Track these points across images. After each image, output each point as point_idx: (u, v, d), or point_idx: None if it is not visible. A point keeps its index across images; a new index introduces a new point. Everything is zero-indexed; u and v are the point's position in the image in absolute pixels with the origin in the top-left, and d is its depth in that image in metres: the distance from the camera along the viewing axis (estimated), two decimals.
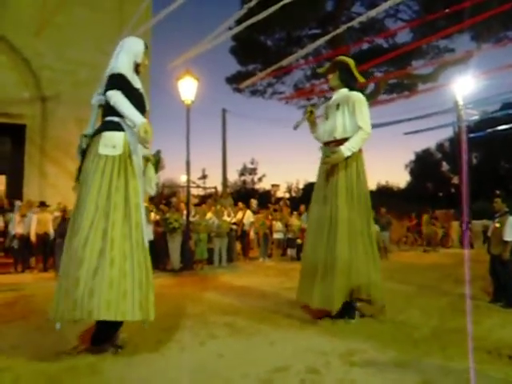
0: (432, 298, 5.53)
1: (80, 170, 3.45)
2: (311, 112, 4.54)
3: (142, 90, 3.61)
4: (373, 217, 4.57)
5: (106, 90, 3.39)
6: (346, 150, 4.15)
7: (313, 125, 4.62)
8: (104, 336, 3.23)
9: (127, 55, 3.59)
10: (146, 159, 3.58)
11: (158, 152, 3.69)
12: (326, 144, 4.42)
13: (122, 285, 3.04)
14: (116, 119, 3.41)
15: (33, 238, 9.42)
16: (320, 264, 4.14)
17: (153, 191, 3.66)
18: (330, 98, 4.65)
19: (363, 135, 4.22)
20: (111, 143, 3.33)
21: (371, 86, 20.49)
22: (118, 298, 3.00)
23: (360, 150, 4.35)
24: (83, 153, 3.48)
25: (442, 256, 13.14)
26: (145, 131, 3.20)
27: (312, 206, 4.56)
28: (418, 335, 3.64)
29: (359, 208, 4.21)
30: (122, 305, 3.00)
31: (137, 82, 3.58)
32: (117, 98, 3.32)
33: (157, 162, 3.64)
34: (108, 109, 3.44)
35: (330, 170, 4.29)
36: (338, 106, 4.36)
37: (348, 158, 4.19)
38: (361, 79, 4.59)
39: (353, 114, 4.25)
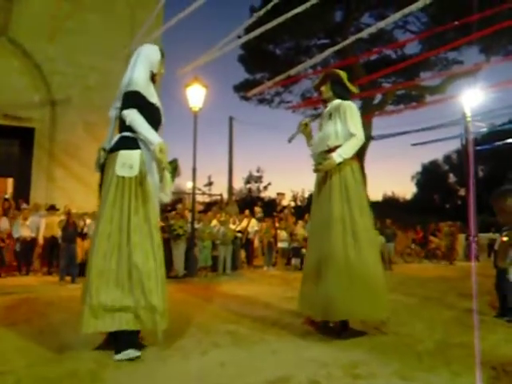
0: (436, 311, 5.48)
1: (101, 186, 3.52)
2: (306, 125, 4.59)
3: (158, 104, 3.60)
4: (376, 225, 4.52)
5: (122, 109, 3.41)
6: (337, 156, 4.11)
7: (309, 137, 4.64)
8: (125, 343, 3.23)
9: (144, 65, 3.58)
10: (163, 167, 3.53)
11: (175, 160, 3.64)
12: (317, 154, 4.44)
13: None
14: (132, 135, 3.42)
15: (41, 241, 9.48)
16: (319, 271, 4.06)
17: (168, 198, 3.65)
18: (323, 110, 4.66)
19: (355, 141, 4.18)
20: (128, 163, 3.35)
21: (379, 97, 20.52)
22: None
23: (355, 158, 4.30)
24: (102, 167, 3.53)
25: (446, 269, 13.04)
26: (160, 151, 3.22)
27: (312, 216, 4.54)
28: (422, 348, 3.60)
29: (360, 210, 4.09)
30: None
31: (152, 95, 3.56)
32: (132, 118, 3.33)
33: (174, 170, 3.60)
34: (124, 123, 3.44)
35: (323, 177, 4.28)
36: (330, 115, 4.40)
37: (340, 164, 4.13)
38: (354, 90, 4.59)
39: (344, 122, 4.23)
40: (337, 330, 4.04)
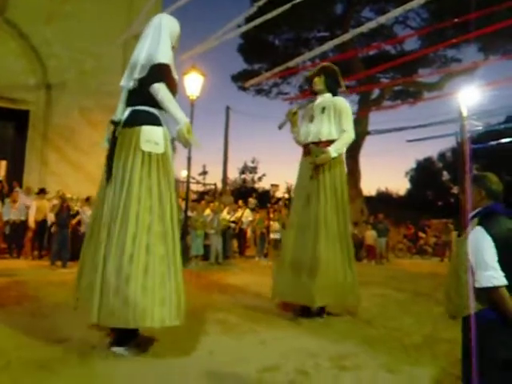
0: (425, 306, 5.53)
1: (110, 161, 3.24)
2: (294, 113, 4.76)
3: (177, 80, 3.47)
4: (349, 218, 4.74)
5: (151, 81, 3.20)
6: (333, 151, 4.38)
7: (294, 125, 4.81)
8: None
9: (168, 38, 3.40)
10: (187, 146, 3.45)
11: (173, 139, 3.50)
12: (310, 144, 4.58)
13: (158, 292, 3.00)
14: (152, 110, 3.27)
15: (31, 224, 9.42)
16: (303, 263, 4.32)
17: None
18: (312, 101, 4.80)
19: (348, 138, 4.49)
20: (153, 139, 3.20)
21: (376, 92, 20.51)
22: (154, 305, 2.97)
23: (343, 160, 4.61)
24: (113, 141, 3.28)
25: (438, 265, 13.14)
26: (188, 131, 3.14)
27: (294, 204, 4.75)
28: (409, 343, 3.65)
29: (342, 210, 4.44)
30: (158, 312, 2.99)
31: (174, 70, 3.44)
32: (164, 93, 3.18)
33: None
34: (141, 96, 3.27)
35: (314, 169, 4.44)
36: (323, 109, 4.58)
37: (333, 159, 4.42)
38: (344, 87, 4.93)
39: (338, 119, 4.48)
40: (315, 313, 4.38)
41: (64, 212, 8.87)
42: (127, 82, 3.39)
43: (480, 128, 17.20)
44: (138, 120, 3.25)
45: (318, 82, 4.69)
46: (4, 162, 14.00)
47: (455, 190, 31.36)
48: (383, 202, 30.42)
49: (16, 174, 12.55)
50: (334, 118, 4.48)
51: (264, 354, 3.18)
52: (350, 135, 4.46)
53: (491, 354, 2.19)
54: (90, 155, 12.71)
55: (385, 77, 20.57)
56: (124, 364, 2.87)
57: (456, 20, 9.20)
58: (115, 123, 3.31)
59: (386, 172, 66.52)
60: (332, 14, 19.79)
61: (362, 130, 19.70)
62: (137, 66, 3.29)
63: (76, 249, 9.25)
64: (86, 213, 9.19)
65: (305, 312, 4.40)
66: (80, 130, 12.92)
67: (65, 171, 12.46)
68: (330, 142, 4.42)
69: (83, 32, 13.05)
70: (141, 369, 2.82)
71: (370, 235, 13.39)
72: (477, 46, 17.85)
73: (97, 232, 3.16)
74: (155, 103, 3.25)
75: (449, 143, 32.71)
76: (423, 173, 36.49)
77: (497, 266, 2.12)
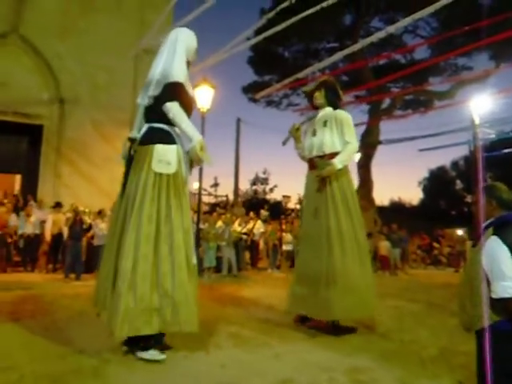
0: (441, 318, 5.44)
1: (125, 178, 3.29)
2: (297, 129, 4.76)
3: (193, 95, 3.52)
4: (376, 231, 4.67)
5: (164, 100, 3.24)
6: (338, 163, 4.36)
7: (298, 141, 4.82)
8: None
9: (184, 53, 3.43)
10: (199, 164, 3.53)
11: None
12: (314, 158, 4.60)
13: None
14: (166, 128, 3.30)
15: (48, 237, 9.53)
16: (320, 276, 4.24)
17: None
18: (314, 116, 4.84)
19: (352, 150, 4.50)
20: (165, 159, 3.22)
21: (387, 102, 20.46)
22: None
23: (349, 170, 4.60)
24: (129, 158, 3.32)
25: (452, 276, 12.95)
26: (201, 148, 3.16)
27: (304, 217, 4.74)
28: (426, 356, 3.58)
29: (357, 219, 4.39)
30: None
31: (189, 87, 3.48)
32: (176, 111, 3.21)
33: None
34: (157, 113, 3.30)
35: (321, 182, 4.45)
36: (325, 122, 4.59)
37: (339, 171, 4.41)
38: (343, 98, 4.94)
39: (341, 131, 4.49)
40: (330, 328, 4.27)
41: (77, 225, 8.96)
42: (143, 99, 3.40)
43: (493, 136, 17.05)
44: (152, 138, 3.28)
45: (319, 97, 4.72)
46: (18, 176, 14.21)
47: (469, 199, 31.02)
48: (396, 211, 30.19)
49: (30, 187, 12.72)
50: (336, 130, 4.51)
51: (277, 367, 3.14)
52: (353, 146, 4.49)
53: (507, 366, 2.15)
54: (102, 168, 12.86)
55: (395, 86, 20.54)
56: (138, 376, 2.86)
57: (466, 28, 9.16)
58: (131, 140, 3.34)
59: (399, 182, 66.15)
60: (341, 25, 19.87)
61: (373, 140, 19.65)
62: (152, 83, 3.33)
63: (89, 261, 9.36)
64: (99, 226, 9.27)
65: (325, 326, 4.33)
66: (92, 144, 13.07)
67: (78, 184, 12.60)
68: (334, 155, 4.44)
69: (95, 46, 13.28)
70: (153, 380, 2.80)
71: (384, 246, 13.26)
72: (488, 53, 17.76)
73: (114, 246, 3.23)
74: (170, 120, 3.27)
75: (462, 152, 32.46)
76: (436, 182, 36.19)
77: None
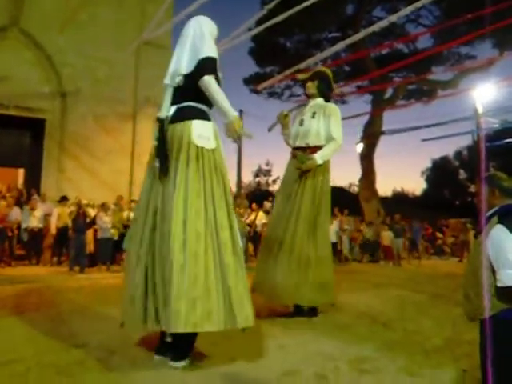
0: (445, 308, 5.44)
1: (158, 157, 3.09)
2: (286, 115, 4.81)
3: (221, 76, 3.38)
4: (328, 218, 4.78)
5: (202, 74, 3.07)
6: (319, 158, 4.43)
7: (285, 127, 4.85)
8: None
9: (210, 36, 3.32)
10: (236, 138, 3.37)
11: None
12: (298, 149, 4.65)
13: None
14: (201, 106, 3.21)
15: (53, 231, 9.58)
16: (283, 259, 4.38)
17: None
18: (305, 104, 4.92)
19: (335, 146, 4.51)
20: (205, 134, 3.12)
21: (390, 92, 20.34)
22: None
23: (329, 168, 4.66)
24: (160, 139, 3.13)
25: (456, 265, 12.95)
26: (239, 125, 3.08)
27: (277, 197, 4.84)
28: (430, 345, 3.58)
29: (320, 211, 4.49)
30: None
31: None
32: (215, 86, 3.07)
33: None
34: (189, 92, 3.18)
35: (297, 174, 4.53)
36: (313, 114, 4.63)
37: (319, 166, 4.47)
38: (335, 91, 5.11)
39: (327, 124, 4.51)
40: (306, 313, 4.43)
41: (80, 218, 8.99)
42: (172, 80, 3.26)
43: (496, 125, 16.95)
44: (187, 114, 3.16)
45: (311, 87, 4.73)
46: (22, 170, 14.24)
47: (472, 188, 30.93)
48: (399, 202, 30.16)
49: (33, 181, 12.74)
50: (323, 122, 4.51)
51: (283, 358, 3.15)
52: (337, 142, 4.49)
53: (511, 355, 2.14)
54: (104, 162, 12.87)
55: (398, 76, 20.40)
56: (144, 368, 2.87)
57: (469, 16, 9.07)
58: (162, 120, 3.18)
59: (402, 172, 65.97)
60: (343, 15, 19.70)
61: (376, 130, 19.57)
62: (181, 63, 3.21)
63: (94, 254, 9.41)
64: (102, 219, 9.29)
65: (297, 312, 4.49)
66: (94, 137, 13.07)
67: (81, 178, 12.61)
68: (316, 148, 4.49)
69: (96, 40, 13.23)
70: (161, 372, 2.82)
71: (387, 236, 13.27)
72: (491, 42, 17.60)
73: (149, 226, 3.05)
74: (202, 99, 3.18)
75: (465, 141, 32.32)
76: (439, 172, 36.09)
77: None
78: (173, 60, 3.32)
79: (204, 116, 3.20)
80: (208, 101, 3.20)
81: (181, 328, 2.73)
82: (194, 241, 2.87)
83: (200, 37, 3.24)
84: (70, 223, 9.37)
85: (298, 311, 4.48)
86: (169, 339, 2.88)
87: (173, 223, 2.87)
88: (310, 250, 4.36)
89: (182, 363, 2.91)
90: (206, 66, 3.11)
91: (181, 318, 2.73)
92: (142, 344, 3.31)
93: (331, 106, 4.66)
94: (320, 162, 4.42)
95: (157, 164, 3.09)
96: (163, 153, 3.08)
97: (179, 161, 3.02)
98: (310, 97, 4.80)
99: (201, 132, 3.10)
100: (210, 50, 3.18)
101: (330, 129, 4.47)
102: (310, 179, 4.47)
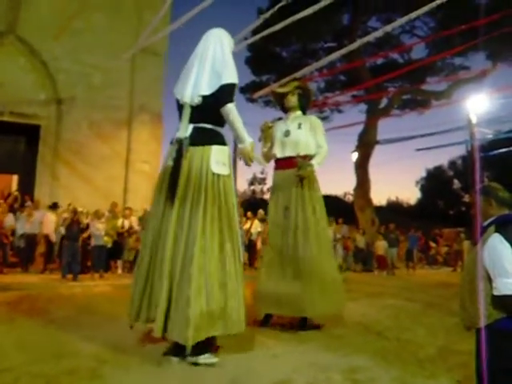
0: (438, 317, 5.44)
1: (175, 179, 3.18)
2: (270, 127, 4.84)
3: None
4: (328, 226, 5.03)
5: (225, 101, 3.19)
6: (316, 164, 4.60)
7: (267, 139, 4.88)
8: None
9: (231, 55, 3.42)
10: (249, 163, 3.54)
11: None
12: (288, 158, 4.71)
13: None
14: (218, 129, 3.32)
15: (52, 237, 9.59)
16: (289, 273, 4.41)
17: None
18: (281, 118, 5.08)
19: (325, 153, 4.72)
20: (222, 160, 3.24)
21: (384, 102, 20.47)
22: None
23: (315, 175, 4.77)
24: (177, 159, 3.20)
25: (449, 275, 12.97)
26: (253, 151, 3.27)
27: (271, 208, 4.82)
28: (423, 355, 3.57)
29: (321, 219, 4.58)
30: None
31: None
32: (236, 114, 3.22)
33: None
34: (207, 114, 3.27)
35: (296, 181, 4.58)
36: (299, 125, 4.77)
37: (310, 175, 4.62)
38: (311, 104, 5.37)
39: (314, 135, 4.70)
40: (297, 325, 4.42)
41: (74, 225, 8.94)
42: (192, 100, 3.28)
43: (490, 135, 17.09)
44: (205, 139, 3.26)
45: (293, 100, 4.86)
46: (15, 177, 14.17)
47: (466, 198, 31.07)
48: (394, 211, 30.23)
49: (27, 188, 12.68)
50: (310, 133, 4.68)
51: (275, 368, 3.13)
52: (326, 150, 4.69)
53: (507, 365, 2.14)
54: (98, 169, 12.83)
55: (393, 86, 20.55)
56: (135, 377, 2.84)
57: (463, 27, 9.18)
58: (180, 141, 3.24)
59: (396, 181, 66.18)
60: (339, 25, 19.86)
61: (370, 140, 19.66)
62: (202, 84, 3.26)
63: (86, 262, 9.34)
64: (96, 226, 9.24)
65: (290, 323, 4.50)
66: (89, 144, 13.04)
67: (75, 185, 12.56)
68: (307, 157, 4.62)
69: (92, 46, 13.25)
70: (153, 381, 2.79)
71: (381, 245, 13.28)
72: (485, 53, 17.79)
73: (160, 247, 3.19)
74: (219, 121, 3.29)
75: (459, 151, 32.53)
76: (434, 182, 36.24)
77: None
78: (190, 77, 3.34)
79: (222, 140, 3.32)
80: (223, 122, 3.32)
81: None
82: (210, 263, 3.06)
83: (222, 59, 3.32)
84: (61, 230, 9.33)
85: (303, 323, 4.46)
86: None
87: (195, 249, 3.02)
88: (321, 264, 4.40)
89: (202, 358, 3.04)
90: (229, 93, 3.23)
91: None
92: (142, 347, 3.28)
93: (315, 118, 4.93)
94: (317, 167, 4.59)
95: (168, 185, 3.21)
96: (176, 175, 3.17)
97: (199, 186, 3.15)
98: (289, 109, 4.93)
99: (218, 158, 3.23)
100: (233, 75, 3.28)
101: (318, 139, 4.67)
102: (306, 189, 4.55)
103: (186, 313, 2.90)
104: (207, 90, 3.23)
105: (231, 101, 3.21)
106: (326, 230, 4.69)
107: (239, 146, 3.28)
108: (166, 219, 3.19)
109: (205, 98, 3.24)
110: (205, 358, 3.05)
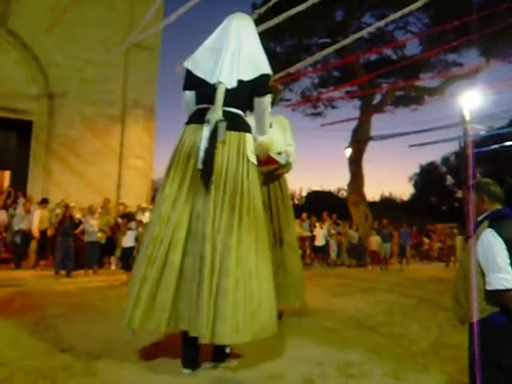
0: (431, 312, 5.49)
1: (210, 163, 2.94)
2: None
3: None
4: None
5: (264, 93, 3.17)
6: (293, 163, 4.79)
7: None
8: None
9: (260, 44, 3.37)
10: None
11: None
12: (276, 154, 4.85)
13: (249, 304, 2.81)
14: (247, 119, 3.24)
15: (35, 234, 9.42)
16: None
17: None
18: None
19: (294, 151, 4.89)
20: (252, 148, 3.18)
21: (378, 98, 20.51)
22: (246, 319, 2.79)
23: None
24: (212, 142, 2.97)
25: (443, 270, 13.06)
26: (270, 147, 3.34)
27: None
28: (416, 349, 3.61)
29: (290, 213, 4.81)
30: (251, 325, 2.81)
31: None
32: (268, 105, 3.24)
33: None
34: (239, 100, 3.14)
35: (273, 178, 4.67)
36: (270, 124, 4.80)
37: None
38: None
39: (285, 134, 4.85)
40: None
41: (67, 221, 8.89)
42: (229, 80, 3.08)
43: (483, 132, 17.17)
44: (240, 125, 3.14)
45: None
46: (8, 173, 14.05)
47: (459, 194, 31.26)
48: (387, 207, 30.36)
49: (19, 184, 12.57)
50: (280, 132, 4.81)
51: (270, 362, 3.15)
52: (294, 148, 4.89)
53: (499, 360, 2.17)
54: (92, 164, 12.75)
55: (386, 82, 20.59)
56: (129, 373, 2.85)
57: (456, 23, 9.20)
58: (217, 122, 3.00)
59: (390, 177, 66.46)
60: (332, 21, 19.83)
61: (364, 136, 19.70)
62: (239, 69, 3.12)
63: (79, 258, 9.29)
64: (89, 221, 9.20)
65: None
66: (82, 139, 12.94)
67: (68, 180, 12.47)
68: (280, 153, 4.76)
69: (84, 41, 13.12)
70: (146, 377, 2.79)
71: (375, 241, 13.34)
72: (478, 49, 17.87)
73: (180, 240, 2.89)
74: (247, 109, 3.24)
75: (452, 147, 32.65)
76: (427, 177, 36.42)
77: (509, 268, 2.12)
78: (223, 59, 3.14)
79: (250, 129, 3.24)
80: (248, 110, 3.28)
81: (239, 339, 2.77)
82: (246, 257, 2.86)
83: (257, 46, 3.34)
84: (52, 226, 9.26)
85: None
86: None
87: (231, 240, 2.82)
88: (289, 254, 4.55)
89: (230, 361, 3.06)
90: (267, 85, 3.23)
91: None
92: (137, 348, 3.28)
93: (282, 117, 5.07)
94: (293, 165, 4.80)
95: (201, 166, 2.94)
96: (213, 158, 2.95)
97: (238, 173, 2.99)
98: None
99: (251, 146, 3.15)
100: (269, 66, 3.28)
101: (286, 137, 4.84)
102: (281, 181, 4.75)
103: (236, 317, 2.72)
104: (245, 75, 3.11)
105: (268, 93, 3.22)
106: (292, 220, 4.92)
107: (260, 138, 3.30)
108: (194, 206, 2.94)
109: (242, 83, 3.09)
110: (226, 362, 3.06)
